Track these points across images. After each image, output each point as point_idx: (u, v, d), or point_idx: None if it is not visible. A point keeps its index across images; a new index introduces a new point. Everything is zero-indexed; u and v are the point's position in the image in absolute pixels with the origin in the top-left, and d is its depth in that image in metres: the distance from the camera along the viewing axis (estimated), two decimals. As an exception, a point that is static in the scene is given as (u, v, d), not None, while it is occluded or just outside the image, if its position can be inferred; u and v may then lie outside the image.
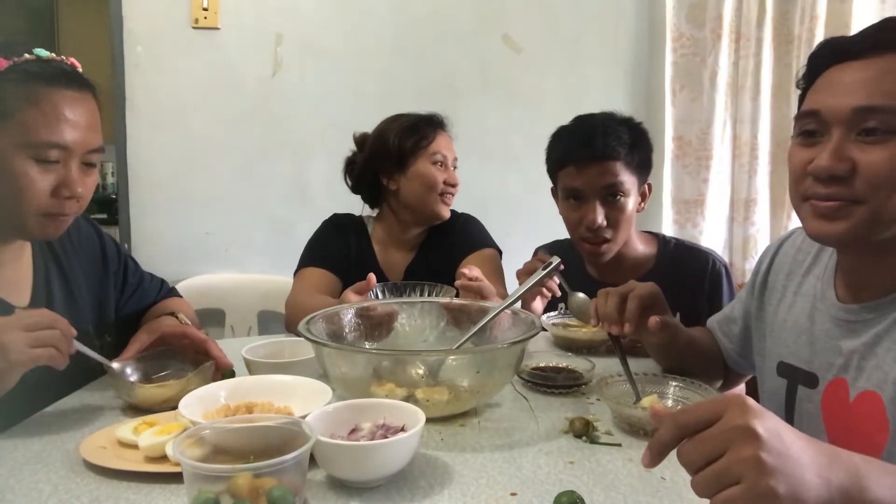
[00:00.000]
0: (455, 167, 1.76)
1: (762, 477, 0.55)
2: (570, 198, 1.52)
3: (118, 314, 1.35)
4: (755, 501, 0.55)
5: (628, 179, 1.48)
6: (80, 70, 1.13)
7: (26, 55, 1.07)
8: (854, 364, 0.93)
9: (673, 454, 0.61)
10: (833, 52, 0.91)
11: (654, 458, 0.62)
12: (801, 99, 0.97)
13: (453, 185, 1.74)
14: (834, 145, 0.86)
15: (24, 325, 0.93)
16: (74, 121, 1.07)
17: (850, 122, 0.86)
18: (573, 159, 1.47)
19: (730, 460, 0.56)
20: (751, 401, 0.59)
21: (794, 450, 0.57)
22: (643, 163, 1.52)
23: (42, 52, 1.09)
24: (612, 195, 1.47)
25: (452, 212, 1.81)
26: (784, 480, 0.55)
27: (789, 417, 1.06)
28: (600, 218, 1.46)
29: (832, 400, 0.98)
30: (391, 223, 1.78)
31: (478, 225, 1.84)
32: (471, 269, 1.36)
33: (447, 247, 1.75)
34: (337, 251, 1.75)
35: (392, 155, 1.70)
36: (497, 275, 1.72)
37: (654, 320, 1.07)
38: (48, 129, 1.05)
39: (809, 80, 0.95)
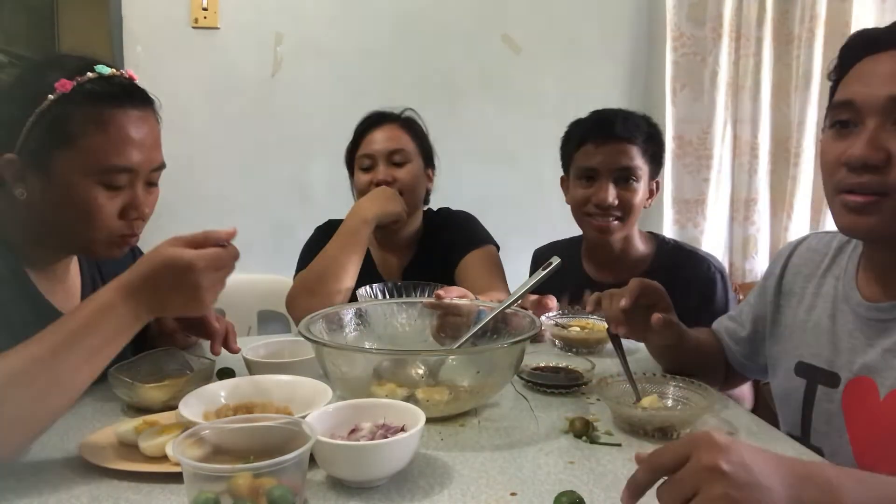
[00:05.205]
0: (399, 161, 1.66)
1: None
2: (583, 177, 1.54)
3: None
4: None
5: (642, 166, 1.52)
6: (137, 81, 1.07)
7: (88, 73, 1.00)
8: (885, 363, 0.93)
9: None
10: (865, 43, 0.91)
11: (631, 497, 0.64)
12: (833, 91, 0.96)
13: (386, 183, 1.65)
14: (869, 135, 0.86)
15: (215, 265, 0.94)
16: (140, 141, 1.03)
17: (886, 111, 0.85)
18: (593, 138, 1.51)
19: (700, 501, 0.58)
20: (718, 436, 0.61)
21: (762, 477, 0.58)
22: (656, 156, 1.57)
23: (104, 70, 1.03)
24: (625, 178, 1.51)
25: (448, 209, 1.79)
26: None
27: (806, 416, 1.06)
28: (611, 197, 1.50)
29: (855, 399, 0.98)
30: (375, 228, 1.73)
31: (474, 221, 1.81)
32: (447, 291, 1.26)
33: (444, 245, 1.73)
34: None
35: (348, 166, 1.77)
36: (496, 272, 1.70)
37: (657, 317, 1.07)
38: (116, 154, 1.01)
39: (841, 71, 0.94)
